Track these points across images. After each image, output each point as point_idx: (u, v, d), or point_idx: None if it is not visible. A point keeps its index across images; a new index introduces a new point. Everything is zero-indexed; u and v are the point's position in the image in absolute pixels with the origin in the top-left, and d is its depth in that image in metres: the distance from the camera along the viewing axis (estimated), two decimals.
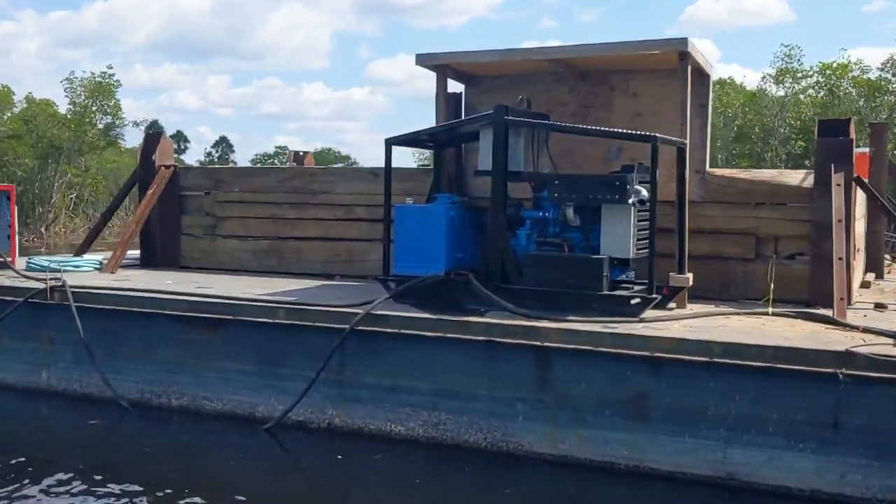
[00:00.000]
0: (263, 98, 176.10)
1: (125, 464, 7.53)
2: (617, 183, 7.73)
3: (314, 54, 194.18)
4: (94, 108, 55.53)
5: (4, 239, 11.24)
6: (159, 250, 12.00)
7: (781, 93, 42.49)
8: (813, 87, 40.21)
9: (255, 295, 8.64)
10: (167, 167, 11.98)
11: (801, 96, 40.02)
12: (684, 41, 8.24)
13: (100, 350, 8.99)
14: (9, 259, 10.96)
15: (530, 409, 7.18)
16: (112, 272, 11.06)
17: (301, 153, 15.33)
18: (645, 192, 7.82)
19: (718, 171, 9.33)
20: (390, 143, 8.76)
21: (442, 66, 9.48)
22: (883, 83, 38.35)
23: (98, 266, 11.32)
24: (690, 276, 8.16)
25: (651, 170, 7.63)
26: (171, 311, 8.70)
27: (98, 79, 54.09)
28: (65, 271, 10.70)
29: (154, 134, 12.17)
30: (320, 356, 7.92)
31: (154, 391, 8.85)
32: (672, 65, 8.53)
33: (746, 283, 8.79)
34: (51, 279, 9.38)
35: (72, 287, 9.23)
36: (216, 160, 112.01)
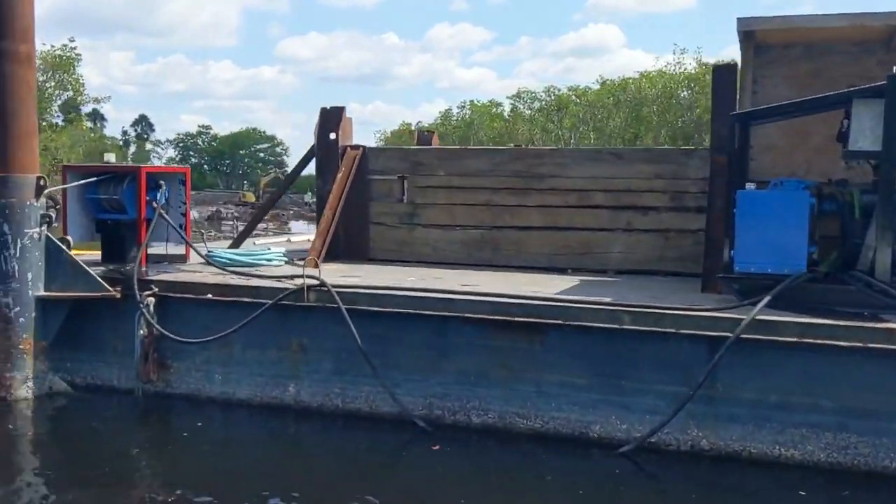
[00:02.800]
0: (169, 76, 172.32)
1: (442, 495, 6.46)
2: None
3: (222, 31, 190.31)
4: (51, 84, 52.85)
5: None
6: (342, 241, 10.69)
7: None
8: None
9: (578, 297, 7.50)
10: (353, 148, 10.69)
11: None
12: None
13: (374, 360, 7.77)
14: (203, 248, 9.60)
15: None
16: (315, 266, 9.75)
17: (426, 131, 14.09)
18: None
19: None
20: (736, 118, 7.66)
21: (749, 32, 8.41)
22: None
23: (287, 259, 10.01)
24: None
25: None
26: (472, 314, 7.51)
27: (58, 52, 51.37)
28: (259, 265, 9.45)
29: (333, 109, 10.84)
30: (679, 367, 6.88)
31: (447, 407, 7.67)
32: None
33: None
34: (307, 278, 8.08)
35: (335, 287, 7.96)
36: (134, 139, 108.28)
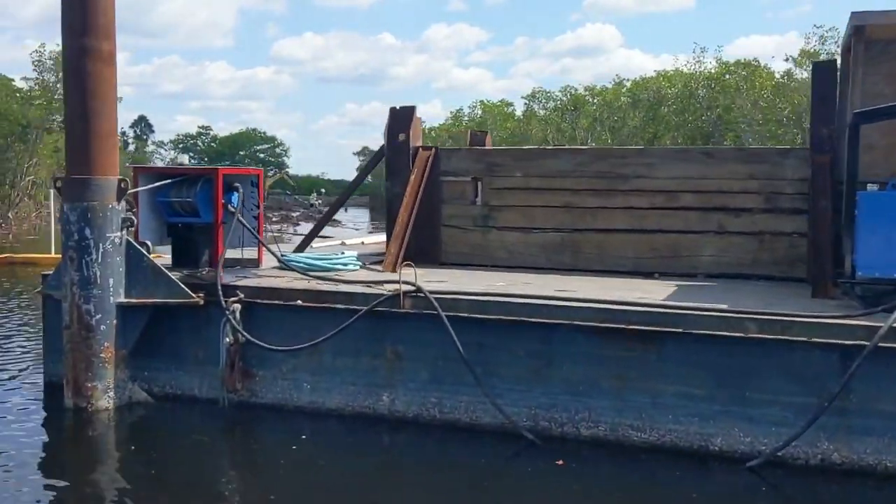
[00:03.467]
0: (164, 76, 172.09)
1: None
2: None
3: (218, 32, 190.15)
4: (60, 86, 52.46)
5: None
6: (412, 245, 10.35)
7: (805, 75, 41.99)
8: None
9: (697, 304, 7.18)
10: (425, 149, 10.38)
11: None
12: None
13: (474, 369, 7.46)
14: (279, 253, 9.29)
15: None
16: (393, 271, 9.45)
17: (479, 132, 13.77)
18: None
19: None
20: (860, 118, 7.34)
21: (860, 27, 8.09)
22: None
23: (361, 264, 9.71)
24: None
25: None
26: (583, 321, 7.20)
27: None
28: (335, 269, 9.16)
29: (404, 109, 10.52)
30: (808, 377, 6.58)
31: (554, 418, 7.36)
32: None
33: None
34: (404, 283, 7.77)
35: (432, 293, 7.65)
36: (131, 140, 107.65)
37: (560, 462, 6.85)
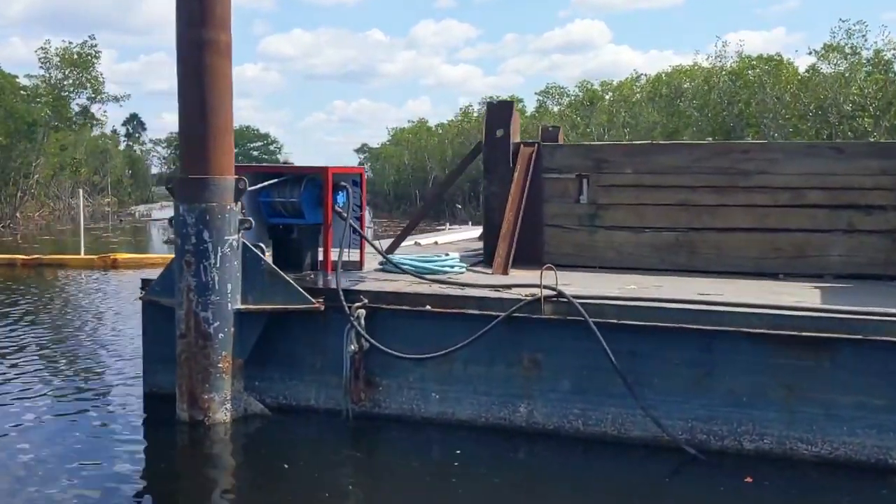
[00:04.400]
0: (151, 74, 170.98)
1: None
2: None
3: None
4: (68, 82, 51.82)
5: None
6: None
7: (829, 69, 41.62)
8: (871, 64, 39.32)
9: (876, 309, 6.74)
10: (526, 144, 9.94)
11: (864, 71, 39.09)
12: None
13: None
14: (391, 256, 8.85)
15: None
16: (504, 273, 9.03)
17: (550, 127, 13.32)
18: None
19: None
20: None
21: None
22: None
23: (465, 267, 9.28)
24: None
25: None
26: (748, 328, 6.76)
27: (76, 49, 50.15)
28: (442, 272, 8.73)
29: (501, 104, 10.16)
30: None
31: (714, 431, 6.92)
32: None
33: None
34: (545, 288, 7.33)
35: (577, 298, 7.21)
36: (123, 138, 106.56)
37: (749, 479, 6.40)
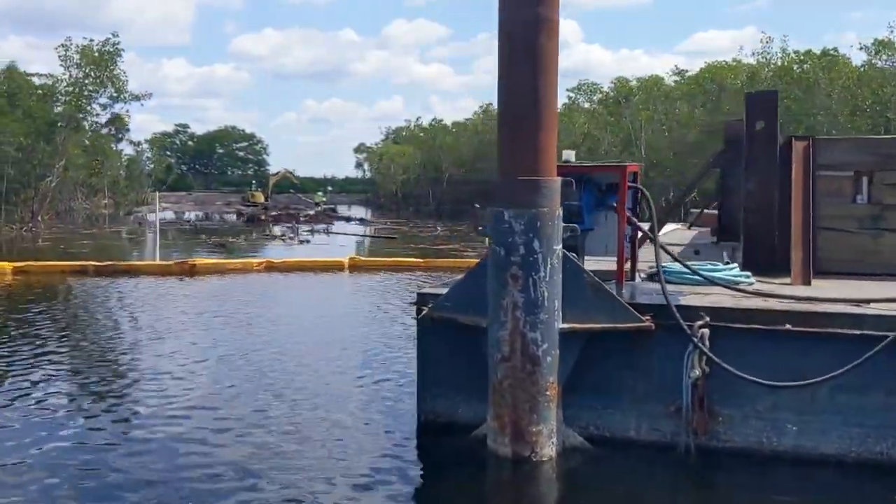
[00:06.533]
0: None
1: None
2: None
3: (174, 28, 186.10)
4: (88, 81, 50.39)
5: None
6: (777, 250, 8.97)
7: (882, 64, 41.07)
8: None
9: None
10: (798, 139, 8.97)
11: None
12: None
13: None
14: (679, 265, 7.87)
15: None
16: (806, 284, 8.07)
17: (736, 121, 12.36)
18: None
19: None
20: None
21: None
22: None
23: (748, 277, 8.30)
24: None
25: None
26: None
27: (98, 47, 48.69)
28: (736, 282, 7.77)
29: (764, 94, 9.24)
30: None
31: None
32: None
33: None
34: None
35: None
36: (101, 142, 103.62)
37: None
